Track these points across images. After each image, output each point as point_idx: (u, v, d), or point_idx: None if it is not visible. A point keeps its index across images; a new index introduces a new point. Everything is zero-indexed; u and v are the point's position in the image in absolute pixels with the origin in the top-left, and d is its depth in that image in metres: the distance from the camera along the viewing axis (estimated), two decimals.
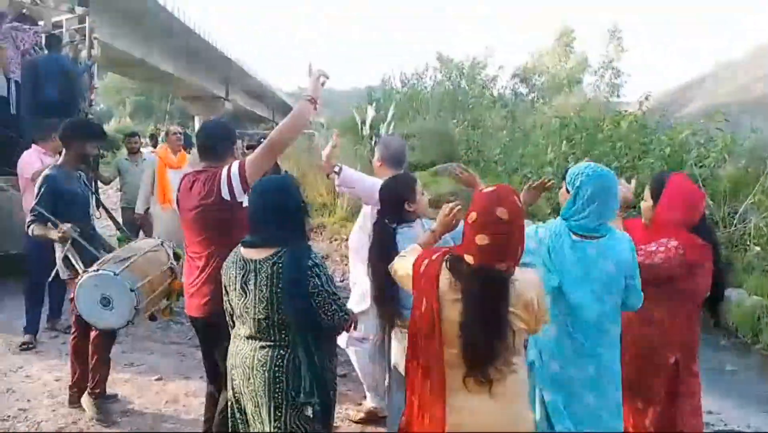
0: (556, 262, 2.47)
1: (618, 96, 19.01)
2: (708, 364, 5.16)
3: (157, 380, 4.39)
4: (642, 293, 2.51)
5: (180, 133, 6.59)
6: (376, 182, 3.33)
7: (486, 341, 1.93)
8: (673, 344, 2.80)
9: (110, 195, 11.93)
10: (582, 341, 2.47)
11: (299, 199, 2.38)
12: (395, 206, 2.94)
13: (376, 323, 3.07)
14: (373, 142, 11.09)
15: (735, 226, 7.66)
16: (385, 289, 2.78)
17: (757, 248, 7.16)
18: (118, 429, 3.65)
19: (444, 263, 2.05)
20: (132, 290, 3.01)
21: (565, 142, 9.94)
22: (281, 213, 2.30)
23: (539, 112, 12.94)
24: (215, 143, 2.98)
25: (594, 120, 10.52)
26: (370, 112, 11.65)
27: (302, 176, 10.94)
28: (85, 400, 3.78)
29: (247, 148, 4.20)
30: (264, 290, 2.23)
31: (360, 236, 3.61)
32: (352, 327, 2.54)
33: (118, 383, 4.27)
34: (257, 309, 2.26)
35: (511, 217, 1.94)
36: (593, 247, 2.47)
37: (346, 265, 8.02)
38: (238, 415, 2.43)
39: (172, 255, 3.45)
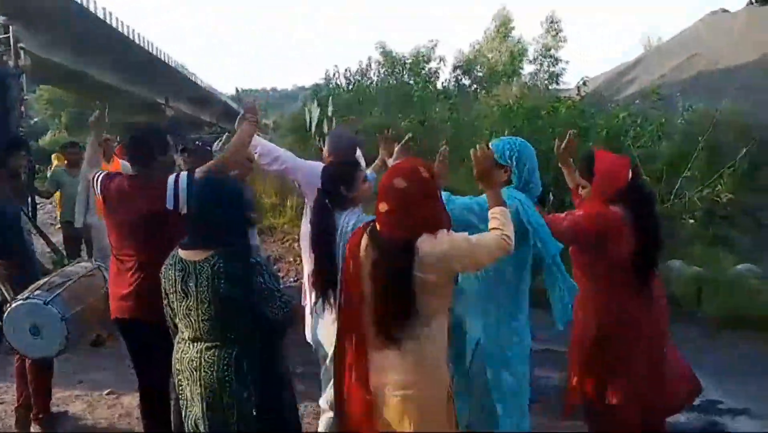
0: (542, 234, 2.55)
1: (558, 83, 19.55)
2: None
3: (108, 394, 4.27)
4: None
5: (111, 140, 6.41)
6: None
7: (389, 302, 2.06)
8: (600, 312, 2.91)
9: (49, 210, 11.52)
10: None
11: (239, 200, 2.38)
12: (334, 191, 2.99)
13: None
14: (318, 141, 11.04)
15: (672, 201, 7.97)
16: (324, 267, 2.84)
17: (692, 221, 7.49)
18: None
19: (365, 231, 2.19)
20: (63, 319, 2.89)
21: (507, 130, 10.12)
22: (220, 214, 2.30)
23: (482, 103, 13.15)
24: (142, 149, 2.99)
25: (534, 108, 10.75)
26: (314, 111, 11.59)
27: (252, 179, 10.82)
28: (33, 427, 3.65)
29: (182, 152, 4.13)
30: (206, 291, 2.22)
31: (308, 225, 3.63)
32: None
33: (69, 400, 4.17)
34: (200, 310, 2.25)
35: (408, 187, 2.08)
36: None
37: (299, 264, 7.98)
38: (187, 423, 2.39)
39: (107, 279, 3.30)
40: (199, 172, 2.82)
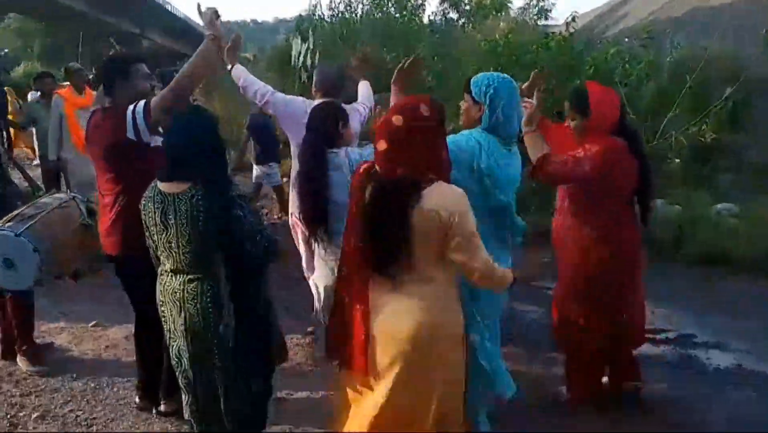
0: (499, 177, 2.49)
1: (547, 18, 19.11)
2: None
3: (94, 326, 4.28)
4: None
5: (81, 70, 6.19)
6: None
7: (384, 241, 2.03)
8: (611, 242, 2.93)
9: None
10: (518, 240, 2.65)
11: (216, 134, 2.33)
12: (328, 129, 3.01)
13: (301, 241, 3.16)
14: (303, 75, 10.77)
15: (657, 141, 7.97)
16: (314, 208, 2.89)
17: (677, 160, 7.51)
18: (56, 376, 3.55)
19: (367, 172, 2.14)
20: (35, 251, 2.84)
21: (493, 67, 9.94)
22: (198, 147, 2.25)
23: (469, 38, 12.83)
24: (104, 79, 2.92)
25: (522, 44, 10.51)
26: (299, 45, 11.21)
27: (232, 116, 10.59)
28: (18, 359, 3.65)
29: (159, 82, 4.02)
30: (185, 224, 2.19)
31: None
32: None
33: (54, 332, 4.17)
34: (180, 243, 2.23)
35: (407, 124, 2.02)
36: (513, 156, 2.59)
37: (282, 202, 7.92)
38: (172, 351, 2.41)
39: (85, 210, 3.24)
40: (155, 99, 2.72)
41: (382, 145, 2.05)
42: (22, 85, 17.54)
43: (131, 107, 2.71)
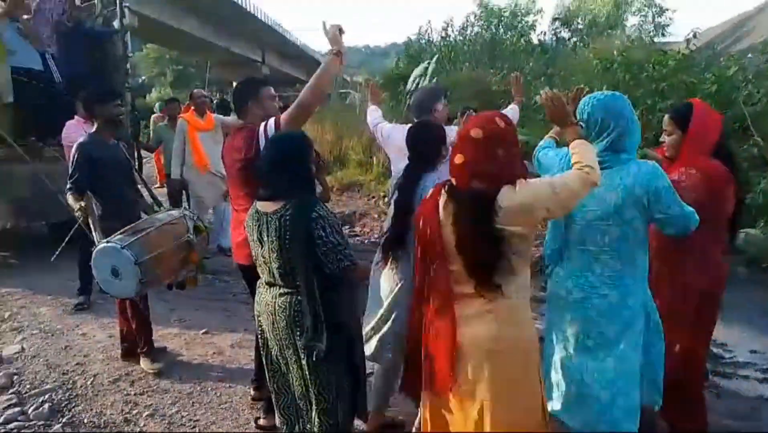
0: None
1: (664, 35, 18.22)
2: (754, 305, 5.06)
3: (204, 333, 4.58)
4: (688, 218, 2.40)
5: (205, 96, 6.69)
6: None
7: (478, 255, 2.04)
8: (703, 270, 2.77)
9: (155, 164, 12.25)
10: (575, 270, 2.53)
11: (305, 154, 2.43)
12: (431, 151, 2.99)
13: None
14: (408, 97, 10.93)
15: None
16: (401, 228, 2.88)
17: None
18: (168, 378, 3.85)
19: (443, 188, 2.17)
20: (136, 264, 3.08)
21: (606, 85, 9.58)
22: (287, 168, 2.37)
23: (580, 56, 12.49)
24: (237, 100, 3.15)
25: (638, 61, 10.07)
26: (418, 70, 11.25)
27: (338, 135, 10.98)
28: (141, 360, 3.99)
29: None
30: (275, 241, 2.33)
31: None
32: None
33: (168, 337, 4.49)
34: (271, 258, 2.37)
35: (485, 136, 2.04)
36: (613, 172, 2.41)
37: (383, 222, 8.07)
38: (266, 359, 2.55)
39: (191, 228, 3.47)
40: (284, 116, 2.88)
41: (459, 158, 2.09)
42: (154, 110, 19.18)
43: (263, 125, 2.90)
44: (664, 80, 9.16)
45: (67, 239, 4.55)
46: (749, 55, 9.21)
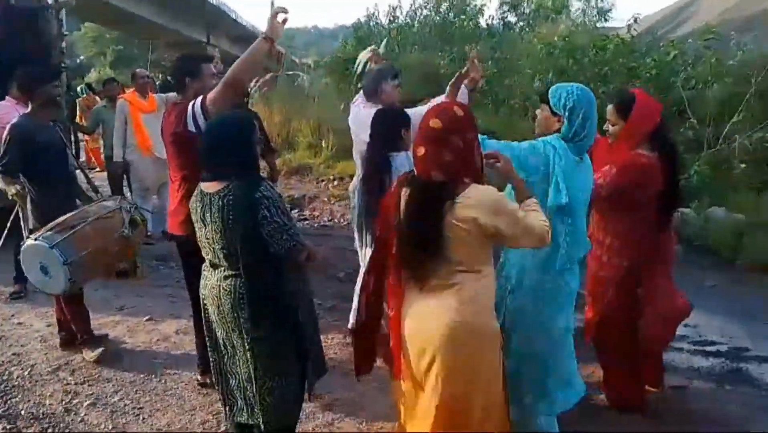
0: (568, 182, 2.51)
1: (606, 20, 18.65)
2: (688, 281, 5.30)
3: (147, 320, 4.48)
4: None
5: (147, 76, 6.49)
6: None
7: (417, 244, 2.05)
8: (626, 250, 3.01)
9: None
10: (577, 255, 2.65)
11: (247, 134, 2.40)
12: (392, 135, 3.17)
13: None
14: (355, 79, 10.86)
15: (720, 146, 7.65)
16: (374, 209, 2.89)
17: (743, 165, 7.20)
18: (110, 367, 3.75)
19: (406, 177, 2.20)
20: (65, 264, 3.01)
21: (551, 70, 9.77)
22: (230, 148, 2.34)
23: (526, 42, 12.66)
24: (176, 77, 3.22)
25: (580, 46, 10.30)
26: (364, 54, 11.17)
27: (286, 117, 10.83)
28: (83, 350, 3.87)
29: None
30: (218, 222, 2.30)
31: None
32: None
33: (110, 325, 4.38)
34: (215, 239, 2.34)
35: (445, 127, 2.05)
36: (584, 167, 2.61)
37: (333, 205, 8.06)
38: (211, 343, 2.52)
39: (127, 221, 3.39)
40: (210, 94, 2.87)
41: (420, 150, 2.09)
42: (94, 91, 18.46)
43: (191, 103, 2.91)
44: (606, 65, 9.41)
45: (8, 226, 4.34)
46: (689, 41, 9.53)
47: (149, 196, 6.54)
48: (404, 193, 2.15)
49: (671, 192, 3.00)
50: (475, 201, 2.00)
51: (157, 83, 12.03)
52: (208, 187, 2.37)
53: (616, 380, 3.19)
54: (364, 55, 10.74)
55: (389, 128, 3.20)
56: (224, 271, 2.38)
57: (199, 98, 2.91)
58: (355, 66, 11.35)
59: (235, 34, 36.14)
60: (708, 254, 5.91)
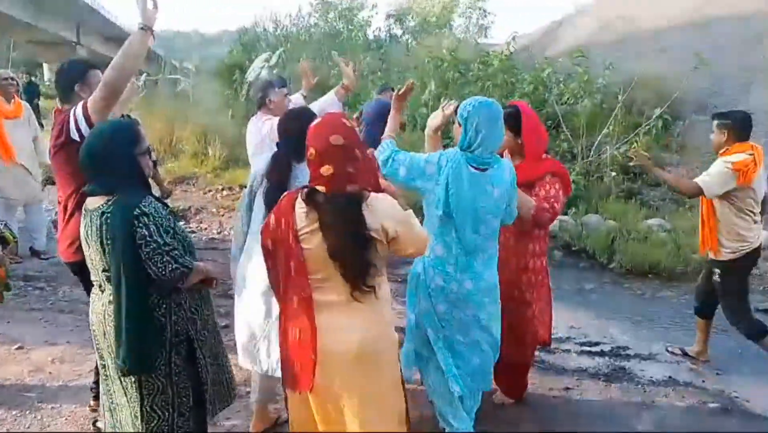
0: (453, 191, 2.63)
1: (486, 36, 19.69)
2: (569, 285, 5.66)
3: (17, 349, 4.04)
4: (516, 211, 2.85)
5: (12, 78, 5.89)
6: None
7: (356, 258, 2.03)
8: (523, 256, 3.14)
9: None
10: (463, 259, 2.72)
11: (129, 145, 2.19)
12: (297, 139, 2.85)
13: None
14: (246, 88, 10.58)
15: (591, 157, 8.27)
16: None
17: (613, 173, 7.84)
18: None
19: (299, 196, 2.10)
20: None
21: (435, 83, 10.11)
22: (108, 158, 2.14)
23: (412, 54, 13.01)
24: (61, 83, 2.94)
25: (465, 61, 10.74)
26: (259, 60, 10.87)
27: (169, 124, 10.32)
28: None
29: None
30: (97, 242, 2.11)
31: None
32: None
33: None
34: (97, 261, 2.16)
35: (346, 141, 2.04)
36: (485, 177, 2.67)
37: (222, 216, 7.77)
38: (102, 371, 2.30)
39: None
40: (90, 99, 2.65)
41: (328, 169, 2.01)
42: None
43: (73, 109, 2.66)
44: (489, 79, 9.88)
45: None
46: (560, 60, 10.23)
47: (14, 210, 5.92)
48: (308, 214, 2.06)
49: None
50: (381, 209, 2.05)
51: (21, 85, 11.03)
52: (89, 203, 2.18)
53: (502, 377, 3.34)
54: (257, 64, 10.57)
55: (294, 133, 2.82)
56: (110, 295, 2.17)
57: (80, 103, 2.67)
58: (247, 74, 11.12)
59: (108, 34, 34.09)
60: (585, 258, 6.33)
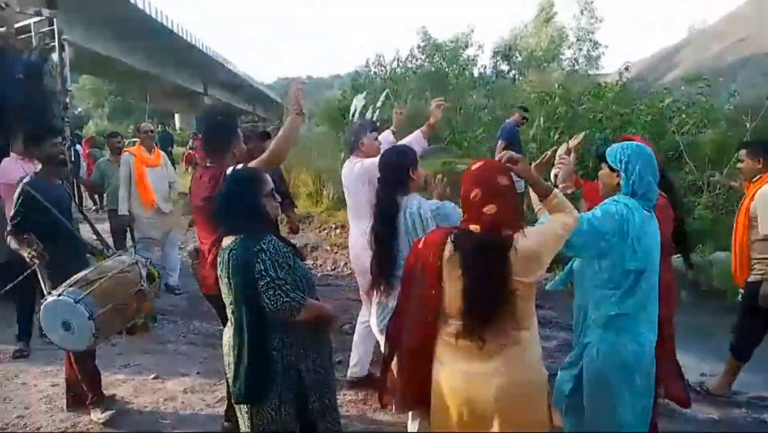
0: (643, 243, 2.48)
1: (597, 68, 19.14)
2: (697, 328, 5.27)
3: (154, 378, 4.39)
4: None
5: (152, 131, 6.54)
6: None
7: (488, 305, 2.02)
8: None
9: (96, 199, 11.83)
10: (653, 314, 2.57)
11: (254, 189, 2.45)
12: (399, 175, 3.05)
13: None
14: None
15: (719, 190, 7.73)
16: (386, 256, 2.94)
17: None
18: (117, 429, 3.65)
19: (449, 237, 2.13)
20: (90, 318, 2.99)
21: (545, 117, 9.95)
22: (235, 202, 2.41)
23: (519, 89, 12.93)
24: (214, 143, 3.25)
25: (576, 94, 10.52)
26: (359, 101, 11.39)
27: (287, 168, 10.89)
28: (91, 411, 3.77)
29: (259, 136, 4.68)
30: (226, 276, 2.35)
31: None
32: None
33: (115, 384, 4.28)
34: (226, 294, 2.39)
35: (510, 184, 2.14)
36: (654, 222, 2.57)
37: (336, 254, 8.04)
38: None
39: (144, 275, 3.39)
40: (256, 162, 3.00)
41: (491, 208, 2.07)
42: (96, 142, 18.57)
43: (231, 168, 2.95)
44: (600, 112, 9.59)
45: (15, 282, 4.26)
46: (682, 88, 9.74)
47: (152, 249, 6.50)
48: (451, 258, 2.10)
49: (679, 233, 3.04)
50: (532, 235, 2.08)
51: (156, 134, 12.15)
52: (224, 242, 2.44)
53: None
54: (356, 103, 11.01)
55: (394, 169, 3.08)
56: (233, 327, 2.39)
57: (240, 166, 2.95)
58: (350, 114, 11.58)
59: (230, 84, 36.79)
60: (714, 299, 5.89)
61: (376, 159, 3.38)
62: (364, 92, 11.68)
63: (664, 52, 15.69)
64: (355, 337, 4.23)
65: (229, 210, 2.41)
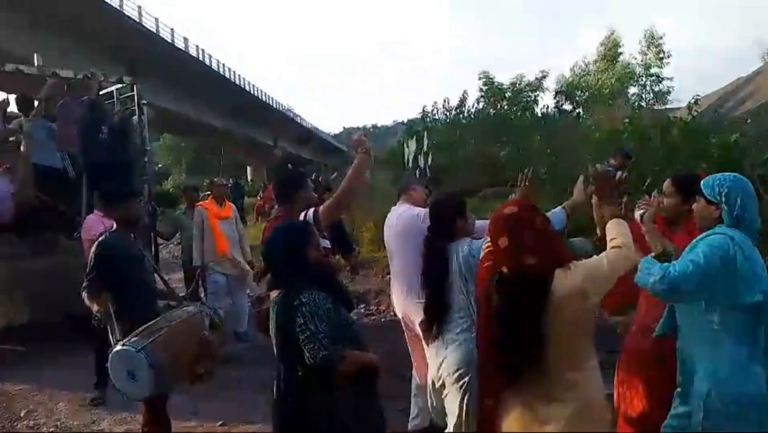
0: (759, 274, 2.38)
1: (664, 103, 18.56)
2: None
3: (221, 426, 4.48)
4: None
5: (224, 185, 6.86)
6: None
7: (515, 346, 1.98)
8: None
9: (171, 249, 12.39)
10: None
11: (299, 242, 2.46)
12: (447, 222, 3.08)
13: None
14: (417, 174, 11.09)
15: None
16: (438, 301, 2.94)
17: None
18: None
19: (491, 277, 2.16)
20: (151, 366, 3.08)
21: (610, 154, 9.71)
22: (279, 256, 2.47)
23: (583, 127, 12.72)
24: (284, 190, 3.42)
25: (643, 129, 10.25)
26: (411, 146, 11.63)
27: (350, 214, 11.10)
28: None
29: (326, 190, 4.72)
30: (273, 329, 2.41)
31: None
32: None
33: (185, 430, 4.38)
34: (275, 347, 2.44)
35: (521, 212, 2.08)
36: (756, 249, 2.45)
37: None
38: None
39: (208, 324, 3.50)
40: (322, 208, 3.11)
41: (504, 241, 2.03)
42: (172, 197, 19.56)
43: (303, 214, 3.09)
44: (670, 147, 9.28)
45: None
46: (748, 120, 9.33)
47: (222, 297, 6.70)
48: (494, 295, 2.10)
49: None
50: (578, 273, 2.00)
51: (230, 186, 12.73)
52: (272, 294, 2.51)
53: None
54: (408, 149, 11.18)
55: (441, 217, 3.13)
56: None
57: (311, 210, 3.09)
58: (405, 160, 11.76)
59: (298, 135, 38.14)
60: None
61: (417, 211, 3.48)
62: (413, 137, 11.90)
63: (737, 83, 15.09)
64: (413, 388, 4.10)
65: (273, 263, 2.50)
